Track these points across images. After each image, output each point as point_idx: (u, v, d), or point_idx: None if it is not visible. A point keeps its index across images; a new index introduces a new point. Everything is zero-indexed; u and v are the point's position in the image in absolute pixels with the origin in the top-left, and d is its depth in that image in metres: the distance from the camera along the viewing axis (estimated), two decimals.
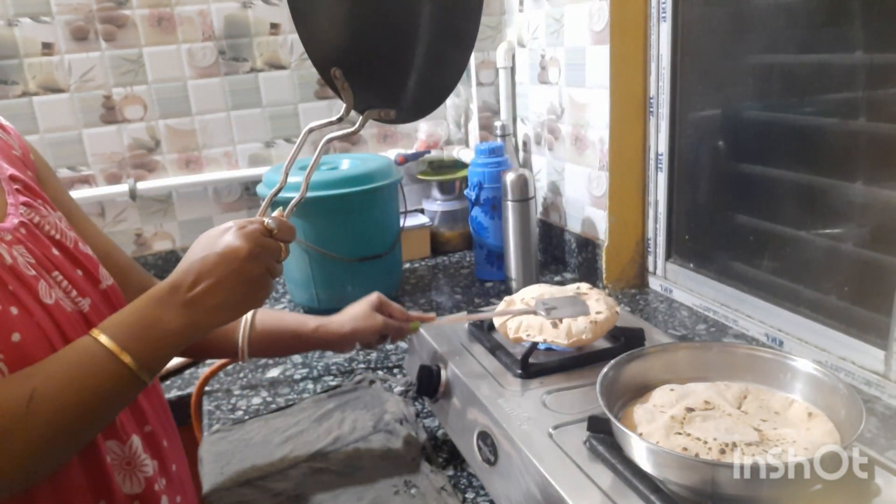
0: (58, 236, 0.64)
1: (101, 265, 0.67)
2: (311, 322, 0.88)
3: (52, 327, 0.57)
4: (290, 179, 1.28)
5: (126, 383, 0.54)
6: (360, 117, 0.67)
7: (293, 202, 0.67)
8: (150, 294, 0.57)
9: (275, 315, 0.90)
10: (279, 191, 0.67)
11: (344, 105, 0.66)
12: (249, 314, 0.86)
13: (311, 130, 0.67)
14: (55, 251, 0.63)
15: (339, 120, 0.66)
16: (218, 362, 1.05)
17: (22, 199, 0.63)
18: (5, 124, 0.70)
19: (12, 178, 0.65)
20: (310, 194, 1.22)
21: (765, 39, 1.04)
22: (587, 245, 1.36)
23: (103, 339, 0.53)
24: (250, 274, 0.58)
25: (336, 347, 0.91)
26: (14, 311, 0.54)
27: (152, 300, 0.56)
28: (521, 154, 1.58)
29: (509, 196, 1.30)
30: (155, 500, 0.64)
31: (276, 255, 0.61)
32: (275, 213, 0.64)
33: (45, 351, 0.55)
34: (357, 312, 0.89)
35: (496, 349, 0.87)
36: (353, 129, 0.68)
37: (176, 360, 1.13)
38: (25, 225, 0.61)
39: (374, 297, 0.90)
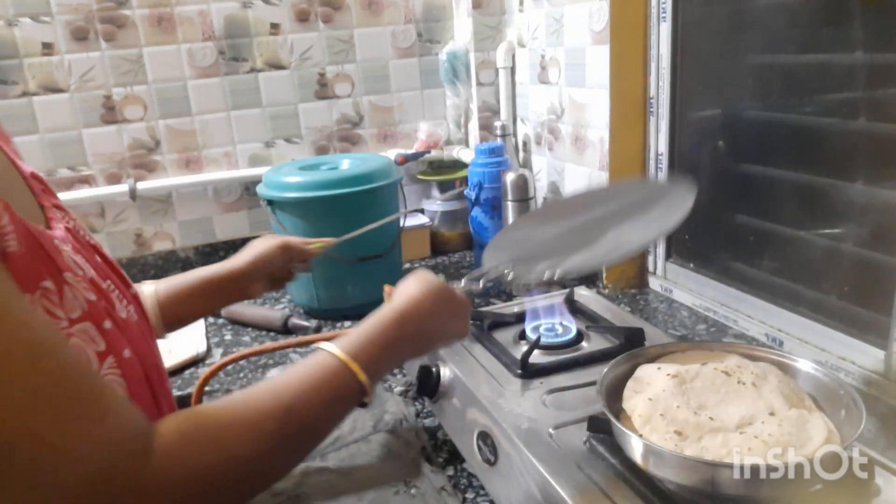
0: (91, 241, 0.59)
1: None
2: (212, 266, 0.86)
3: (131, 341, 0.54)
4: (290, 179, 1.28)
5: (356, 399, 0.58)
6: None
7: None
8: (389, 328, 0.62)
9: (174, 278, 0.84)
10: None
11: None
12: (151, 288, 0.81)
13: None
14: (97, 257, 0.58)
15: None
16: (218, 362, 1.05)
17: (53, 201, 0.57)
18: None
19: (33, 177, 0.58)
20: (310, 194, 1.23)
21: (765, 39, 1.04)
22: None
23: (342, 356, 0.56)
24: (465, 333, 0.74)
25: (246, 282, 0.87)
26: (112, 326, 0.51)
27: (392, 334, 0.62)
28: (521, 154, 1.58)
29: (509, 196, 1.30)
30: None
31: None
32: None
33: (138, 368, 0.53)
34: (254, 243, 0.90)
35: (496, 349, 0.87)
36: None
37: (176, 360, 1.13)
38: (70, 231, 0.55)
39: (269, 235, 0.93)
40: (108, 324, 0.50)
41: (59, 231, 0.53)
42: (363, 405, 0.58)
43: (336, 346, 0.57)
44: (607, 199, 0.86)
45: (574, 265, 0.72)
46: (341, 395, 0.55)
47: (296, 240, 0.94)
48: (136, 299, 0.62)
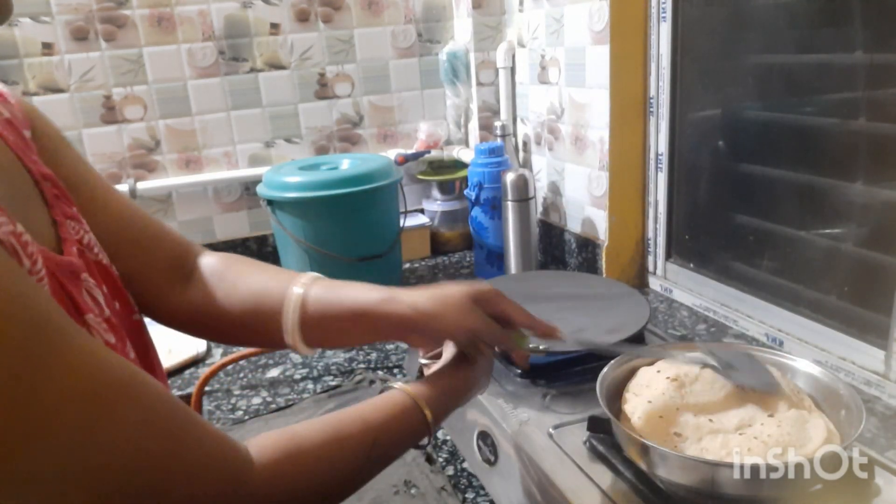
0: (104, 260, 0.53)
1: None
2: (377, 293, 0.61)
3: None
4: (290, 179, 1.28)
5: (421, 437, 0.59)
6: None
7: None
8: (454, 384, 0.63)
9: (334, 288, 0.63)
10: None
11: None
12: (300, 292, 0.62)
13: None
14: (104, 286, 0.52)
15: None
16: (218, 362, 1.05)
17: (67, 210, 0.51)
18: (3, 91, 0.52)
19: (46, 178, 0.50)
20: (310, 194, 1.23)
21: (765, 39, 1.04)
22: (587, 245, 1.36)
23: (417, 396, 0.58)
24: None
25: (413, 332, 0.63)
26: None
27: (457, 388, 0.63)
28: (521, 154, 1.58)
29: (509, 196, 1.30)
30: None
31: None
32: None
33: None
34: (448, 294, 0.61)
35: (496, 349, 0.87)
36: None
37: (176, 360, 1.13)
38: (82, 250, 0.50)
39: (484, 286, 0.63)
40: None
41: (73, 257, 0.48)
42: (419, 447, 0.60)
43: (411, 388, 0.59)
44: (572, 285, 1.03)
45: (554, 346, 0.74)
46: (412, 431, 0.58)
47: (509, 316, 0.64)
48: (136, 328, 0.57)
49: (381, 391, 0.60)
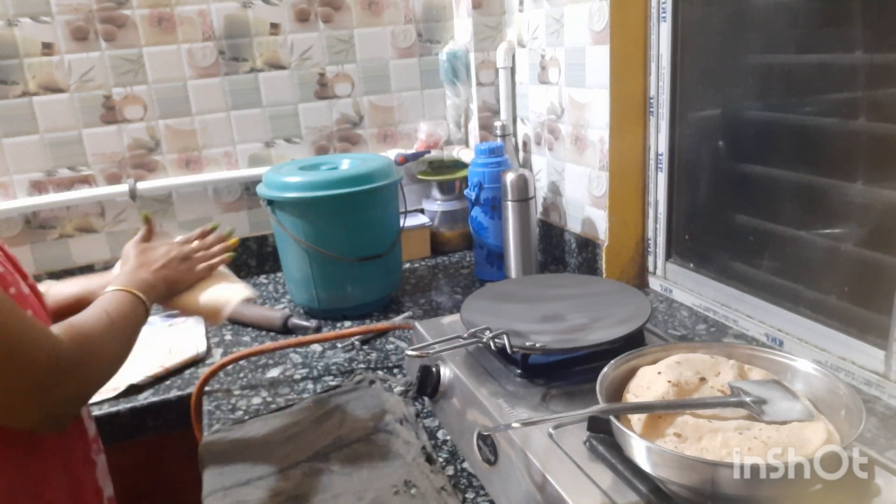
0: None
1: None
2: (94, 277, 0.92)
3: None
4: (290, 179, 1.28)
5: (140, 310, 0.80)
6: None
7: None
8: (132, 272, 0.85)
9: (61, 285, 0.90)
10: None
11: None
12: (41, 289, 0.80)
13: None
14: None
15: None
16: (218, 362, 1.05)
17: None
18: None
19: None
20: (310, 194, 1.23)
21: (765, 39, 1.04)
22: (587, 245, 1.36)
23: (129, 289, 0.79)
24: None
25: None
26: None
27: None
28: (521, 154, 1.58)
29: (509, 196, 1.30)
30: None
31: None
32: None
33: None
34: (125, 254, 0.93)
35: (496, 349, 0.87)
36: None
37: (176, 360, 1.13)
38: None
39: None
40: (12, 289, 0.67)
41: None
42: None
43: (128, 285, 0.80)
44: (572, 286, 1.03)
45: (554, 344, 0.83)
46: (138, 312, 0.79)
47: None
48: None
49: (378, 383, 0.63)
